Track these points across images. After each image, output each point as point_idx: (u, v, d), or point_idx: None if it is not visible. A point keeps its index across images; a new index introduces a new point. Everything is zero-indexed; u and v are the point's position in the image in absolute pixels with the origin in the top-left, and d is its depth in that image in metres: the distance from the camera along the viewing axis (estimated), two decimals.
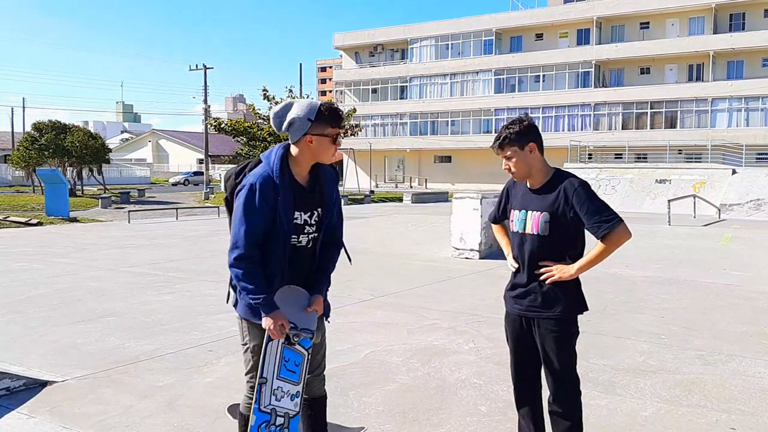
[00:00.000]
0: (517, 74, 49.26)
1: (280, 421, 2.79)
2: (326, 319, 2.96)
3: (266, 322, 2.67)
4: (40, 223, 18.64)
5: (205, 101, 47.14)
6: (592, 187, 2.92)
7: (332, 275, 2.93)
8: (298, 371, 2.81)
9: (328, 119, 2.70)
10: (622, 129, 45.41)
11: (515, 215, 2.98)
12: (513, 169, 2.92)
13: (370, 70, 55.56)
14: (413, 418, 3.82)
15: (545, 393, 3.03)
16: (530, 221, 2.89)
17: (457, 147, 51.14)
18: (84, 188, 38.22)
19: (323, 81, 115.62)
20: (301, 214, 2.74)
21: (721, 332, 5.85)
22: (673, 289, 7.97)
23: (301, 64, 70.66)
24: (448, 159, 53.52)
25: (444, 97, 52.35)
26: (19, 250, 11.91)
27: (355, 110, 39.71)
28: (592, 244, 2.86)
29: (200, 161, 66.56)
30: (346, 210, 26.29)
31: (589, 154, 37.30)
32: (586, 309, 2.96)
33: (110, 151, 39.58)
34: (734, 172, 25.52)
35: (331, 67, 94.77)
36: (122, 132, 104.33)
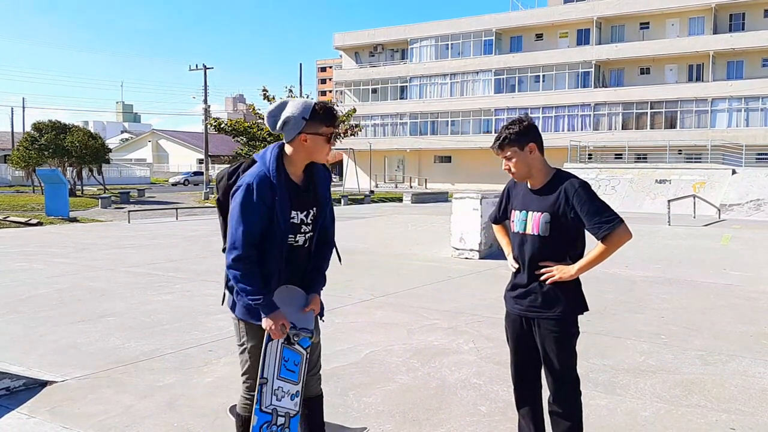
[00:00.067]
0: (517, 74, 49.26)
1: (281, 421, 2.80)
2: (321, 318, 2.97)
3: (266, 323, 2.67)
4: (40, 223, 18.64)
5: (205, 101, 47.14)
6: (592, 188, 2.92)
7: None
8: (297, 371, 2.82)
9: (322, 118, 2.70)
10: (622, 129, 45.42)
11: (516, 216, 2.98)
12: (513, 170, 2.92)
13: (370, 70, 55.57)
14: (413, 418, 3.82)
15: (545, 393, 3.03)
16: (531, 222, 2.89)
17: (457, 147, 51.14)
18: (84, 188, 38.22)
19: (323, 81, 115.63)
20: (297, 214, 2.75)
21: (721, 332, 5.85)
22: (673, 289, 7.97)
23: (301, 64, 70.68)
24: (448, 159, 53.52)
25: (444, 97, 52.35)
26: (19, 250, 11.91)
27: (355, 110, 39.70)
28: (593, 245, 2.86)
29: (200, 161, 66.55)
30: (346, 210, 26.31)
31: (589, 154, 37.31)
32: (587, 309, 2.96)
33: (110, 151, 39.59)
34: (734, 172, 25.53)
35: (331, 67, 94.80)
36: (122, 132, 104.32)
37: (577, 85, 47.28)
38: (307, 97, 31.72)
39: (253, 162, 2.80)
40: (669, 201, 18.75)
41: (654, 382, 4.46)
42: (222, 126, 34.45)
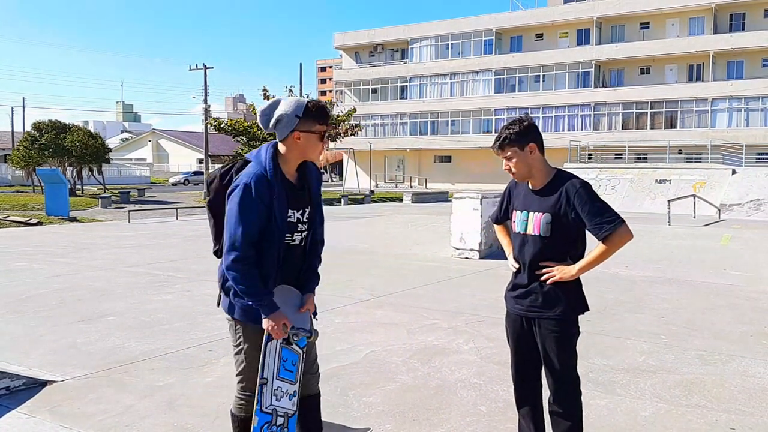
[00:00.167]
0: (517, 74, 49.26)
1: (280, 421, 2.80)
2: (314, 317, 2.97)
3: (267, 323, 2.67)
4: (40, 223, 18.64)
5: (205, 101, 47.09)
6: (593, 188, 2.92)
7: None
8: (295, 370, 2.83)
9: (315, 116, 2.71)
10: (622, 129, 45.42)
11: (517, 216, 2.98)
12: (513, 170, 2.92)
13: (370, 70, 55.57)
14: (413, 418, 3.82)
15: (545, 393, 3.03)
16: (532, 222, 2.89)
17: (457, 147, 51.14)
18: (84, 188, 38.22)
19: (323, 81, 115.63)
20: (294, 212, 2.75)
21: (721, 332, 5.85)
22: (673, 289, 7.97)
23: (301, 64, 70.70)
24: (448, 159, 53.52)
25: (444, 97, 52.35)
26: (19, 249, 11.91)
27: (355, 110, 39.72)
28: (593, 245, 2.86)
29: (200, 161, 66.55)
30: (346, 210, 26.33)
31: (589, 154, 37.31)
32: (587, 309, 2.96)
33: (110, 150, 39.57)
34: (734, 172, 25.53)
35: (331, 67, 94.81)
36: (122, 132, 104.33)
37: (577, 85, 47.28)
38: (307, 97, 31.66)
39: (245, 162, 2.79)
40: (669, 201, 18.75)
41: (654, 382, 4.46)
42: (222, 126, 34.48)
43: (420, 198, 33.12)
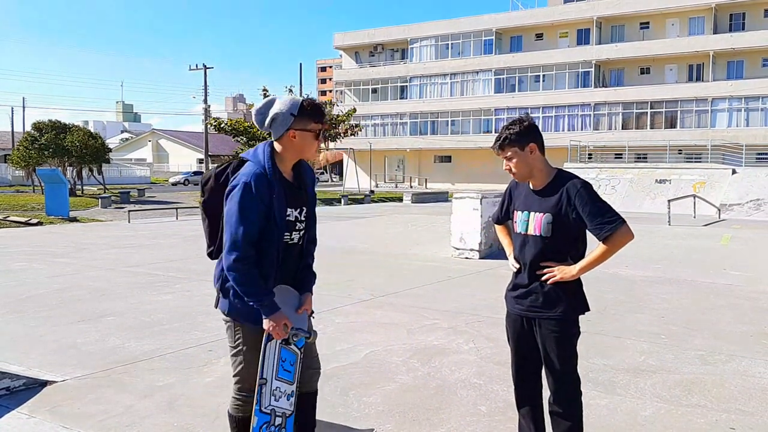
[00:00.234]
0: (517, 74, 49.27)
1: (278, 421, 2.81)
2: (312, 317, 2.97)
3: (268, 324, 2.67)
4: (40, 223, 18.64)
5: (205, 101, 47.19)
6: (593, 188, 2.92)
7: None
8: (293, 371, 2.84)
9: (310, 114, 2.71)
10: (622, 129, 45.43)
11: (518, 216, 2.98)
12: (514, 170, 2.92)
13: (370, 70, 55.58)
14: (413, 418, 3.82)
15: (546, 393, 3.03)
16: (533, 222, 2.89)
17: (457, 147, 51.14)
18: (84, 188, 38.21)
19: (323, 81, 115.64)
20: (292, 211, 2.76)
21: (721, 332, 5.85)
22: (673, 289, 7.97)
23: (301, 64, 70.77)
24: (448, 159, 53.53)
25: (444, 97, 52.36)
26: (19, 249, 11.91)
27: (355, 110, 39.71)
28: (594, 245, 2.86)
29: (200, 161, 66.58)
30: (346, 210, 26.33)
31: (589, 154, 37.31)
32: (588, 309, 2.96)
33: (110, 150, 39.54)
34: (734, 172, 25.52)
35: (331, 67, 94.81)
36: (122, 132, 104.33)
37: (577, 85, 47.29)
38: (307, 97, 31.66)
39: (241, 162, 2.79)
40: (669, 201, 18.75)
41: (654, 382, 4.46)
42: (222, 126, 34.47)
43: (420, 198, 33.11)
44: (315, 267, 3.03)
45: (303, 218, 2.82)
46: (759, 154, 36.93)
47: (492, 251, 10.73)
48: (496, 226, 3.30)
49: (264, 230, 2.67)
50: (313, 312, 2.97)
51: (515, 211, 3.01)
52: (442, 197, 33.51)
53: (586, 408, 3.11)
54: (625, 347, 5.31)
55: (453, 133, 52.06)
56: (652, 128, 44.73)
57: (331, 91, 77.69)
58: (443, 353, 5.14)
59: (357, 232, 15.39)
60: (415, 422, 3.77)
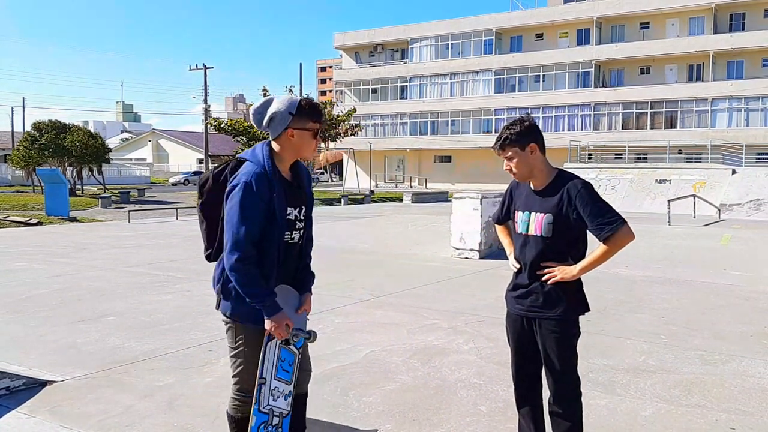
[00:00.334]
0: (517, 74, 49.27)
1: (275, 421, 2.82)
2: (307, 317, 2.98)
3: (269, 324, 2.67)
4: (40, 223, 18.63)
5: (205, 101, 47.17)
6: (594, 188, 2.92)
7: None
8: (291, 371, 2.85)
9: (308, 113, 2.72)
10: (622, 129, 45.44)
11: (519, 216, 2.98)
12: (514, 170, 2.92)
13: (370, 70, 55.58)
14: (413, 418, 3.82)
15: (546, 393, 3.03)
16: (533, 223, 2.89)
17: (457, 147, 51.15)
18: (84, 188, 38.20)
19: (323, 81, 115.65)
20: (292, 210, 2.76)
21: (721, 332, 5.85)
22: (673, 289, 7.97)
23: (301, 64, 70.76)
24: (448, 159, 53.53)
25: (444, 97, 52.36)
26: (19, 249, 11.91)
27: (355, 110, 39.74)
28: (595, 245, 2.86)
29: (200, 161, 66.57)
30: (346, 210, 26.33)
31: (589, 154, 37.31)
32: (588, 310, 2.96)
33: (110, 150, 39.53)
34: (734, 172, 25.52)
35: (331, 67, 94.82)
36: (122, 132, 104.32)
37: (577, 85, 47.29)
38: (306, 96, 31.68)
39: (239, 162, 2.78)
40: (669, 201, 18.75)
41: (654, 382, 4.46)
42: (222, 126, 34.49)
43: (420, 198, 33.11)
44: (315, 267, 3.03)
45: (302, 217, 2.83)
46: (759, 154, 36.93)
47: (492, 251, 10.73)
48: (496, 226, 3.30)
49: (265, 230, 2.67)
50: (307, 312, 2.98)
51: (516, 212, 3.01)
52: (442, 197, 33.51)
53: (586, 408, 3.11)
54: (625, 347, 5.31)
55: (453, 133, 52.06)
56: (652, 128, 44.73)
57: (331, 91, 77.70)
58: (443, 353, 5.14)
59: (357, 232, 15.39)
60: (415, 422, 3.77)
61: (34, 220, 18.89)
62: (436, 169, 53.70)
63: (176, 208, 21.84)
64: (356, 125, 39.62)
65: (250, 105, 35.98)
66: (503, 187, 3.20)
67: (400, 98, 54.49)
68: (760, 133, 40.74)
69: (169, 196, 36.68)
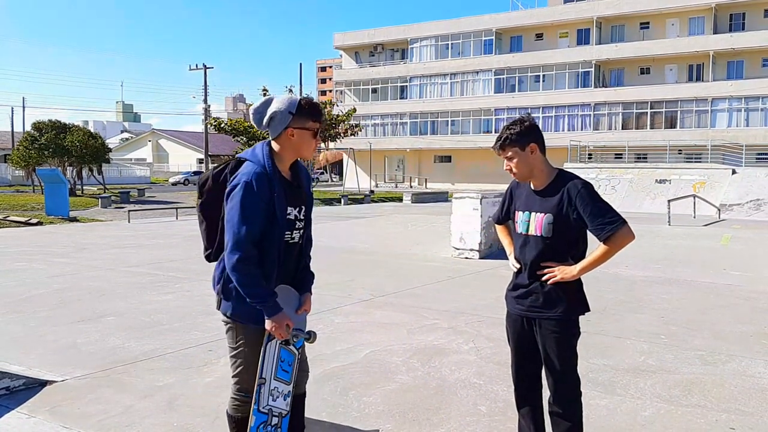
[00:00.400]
0: (517, 74, 49.28)
1: (275, 421, 2.82)
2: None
3: (270, 324, 2.66)
4: (40, 223, 18.63)
5: (205, 101, 47.18)
6: (594, 188, 2.92)
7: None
8: (290, 371, 2.85)
9: (308, 113, 2.72)
10: (622, 129, 45.44)
11: (519, 216, 2.98)
12: (514, 170, 2.91)
13: (370, 70, 55.58)
14: (413, 418, 3.82)
15: (546, 393, 3.03)
16: (534, 223, 2.89)
17: (457, 147, 51.15)
18: (84, 188, 38.20)
19: (323, 81, 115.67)
20: (292, 210, 2.76)
21: (721, 332, 5.85)
22: (673, 289, 7.97)
23: (301, 64, 70.76)
24: (448, 159, 53.53)
25: (444, 97, 52.37)
26: (19, 249, 11.91)
27: (355, 110, 39.72)
28: (595, 245, 2.86)
29: (200, 161, 66.56)
30: (346, 210, 26.32)
31: (589, 154, 37.31)
32: (588, 310, 2.96)
33: (110, 150, 39.53)
34: (734, 172, 25.52)
35: (331, 67, 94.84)
36: (122, 132, 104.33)
37: (577, 85, 47.29)
38: (306, 96, 31.65)
39: (239, 162, 2.78)
40: (669, 201, 18.74)
41: (654, 382, 4.46)
42: (222, 126, 34.48)
43: (420, 198, 33.10)
44: (315, 267, 3.03)
45: (302, 217, 2.83)
46: (759, 154, 36.94)
47: (492, 251, 10.73)
48: (496, 226, 3.30)
49: (265, 229, 2.67)
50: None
51: (516, 212, 3.01)
52: (442, 197, 33.50)
53: (586, 408, 3.11)
54: (625, 347, 5.31)
55: (453, 133, 52.06)
56: (652, 128, 44.73)
57: (331, 91, 77.72)
58: (443, 353, 5.14)
59: (357, 232, 15.39)
60: (415, 422, 3.77)
61: (34, 220, 18.89)
62: (436, 169, 53.70)
63: (176, 208, 21.83)
64: (356, 125, 39.61)
65: (250, 105, 35.98)
66: (503, 187, 3.20)
67: (400, 98, 54.49)
68: (760, 133, 40.74)
69: (169, 196, 36.67)
